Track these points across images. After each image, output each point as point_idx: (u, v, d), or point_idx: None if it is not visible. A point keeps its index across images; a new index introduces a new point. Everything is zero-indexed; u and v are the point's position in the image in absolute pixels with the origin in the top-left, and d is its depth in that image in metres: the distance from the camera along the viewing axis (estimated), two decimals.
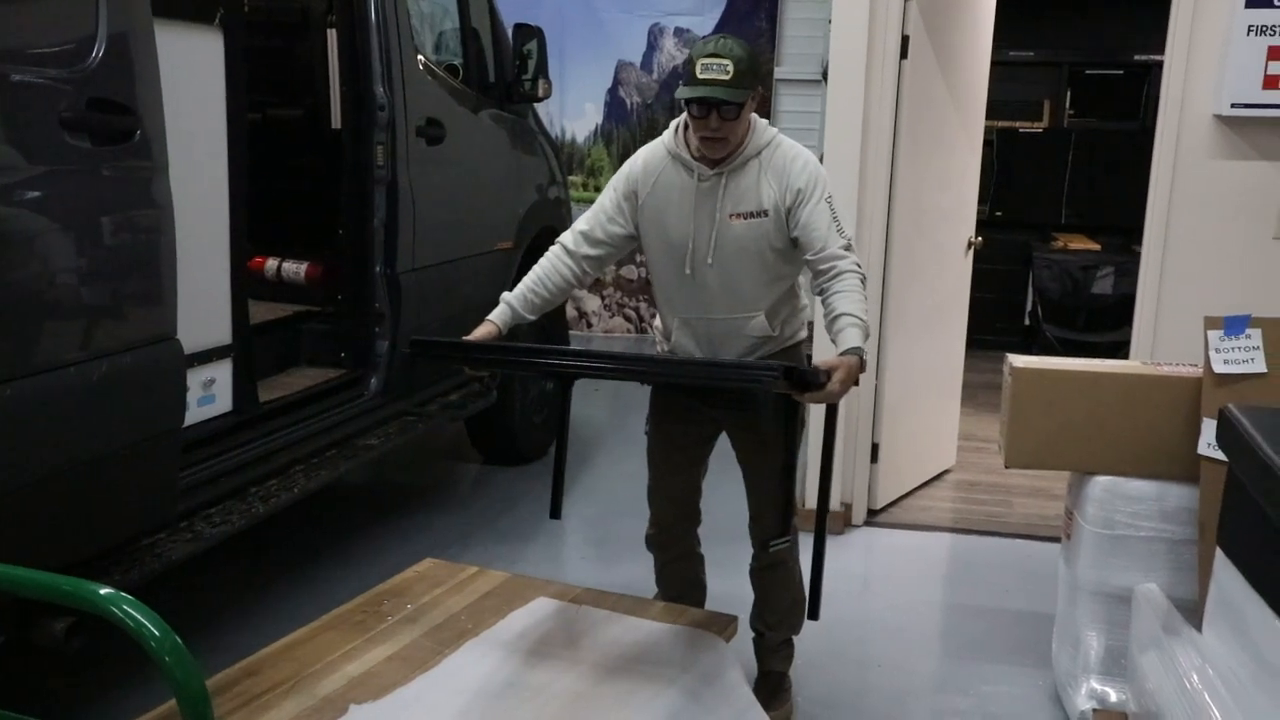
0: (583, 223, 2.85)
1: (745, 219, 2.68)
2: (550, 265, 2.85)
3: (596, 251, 2.84)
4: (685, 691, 2.48)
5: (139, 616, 1.50)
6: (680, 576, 3.15)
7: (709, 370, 2.73)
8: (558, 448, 2.99)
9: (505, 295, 2.85)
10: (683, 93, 2.60)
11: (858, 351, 2.53)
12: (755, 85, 2.62)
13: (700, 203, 2.70)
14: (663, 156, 2.77)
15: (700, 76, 2.56)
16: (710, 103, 2.56)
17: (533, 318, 2.86)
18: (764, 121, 2.76)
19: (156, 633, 1.49)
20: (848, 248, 2.65)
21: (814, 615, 2.73)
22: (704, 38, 2.72)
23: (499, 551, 4.18)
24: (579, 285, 2.96)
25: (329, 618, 2.72)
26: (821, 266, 2.65)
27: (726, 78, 2.55)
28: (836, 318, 2.59)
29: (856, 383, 2.55)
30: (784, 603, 3.08)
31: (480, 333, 2.79)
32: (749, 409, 2.88)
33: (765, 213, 2.68)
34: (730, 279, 2.72)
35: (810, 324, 2.99)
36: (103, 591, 1.55)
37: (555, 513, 2.99)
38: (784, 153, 2.71)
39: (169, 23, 2.86)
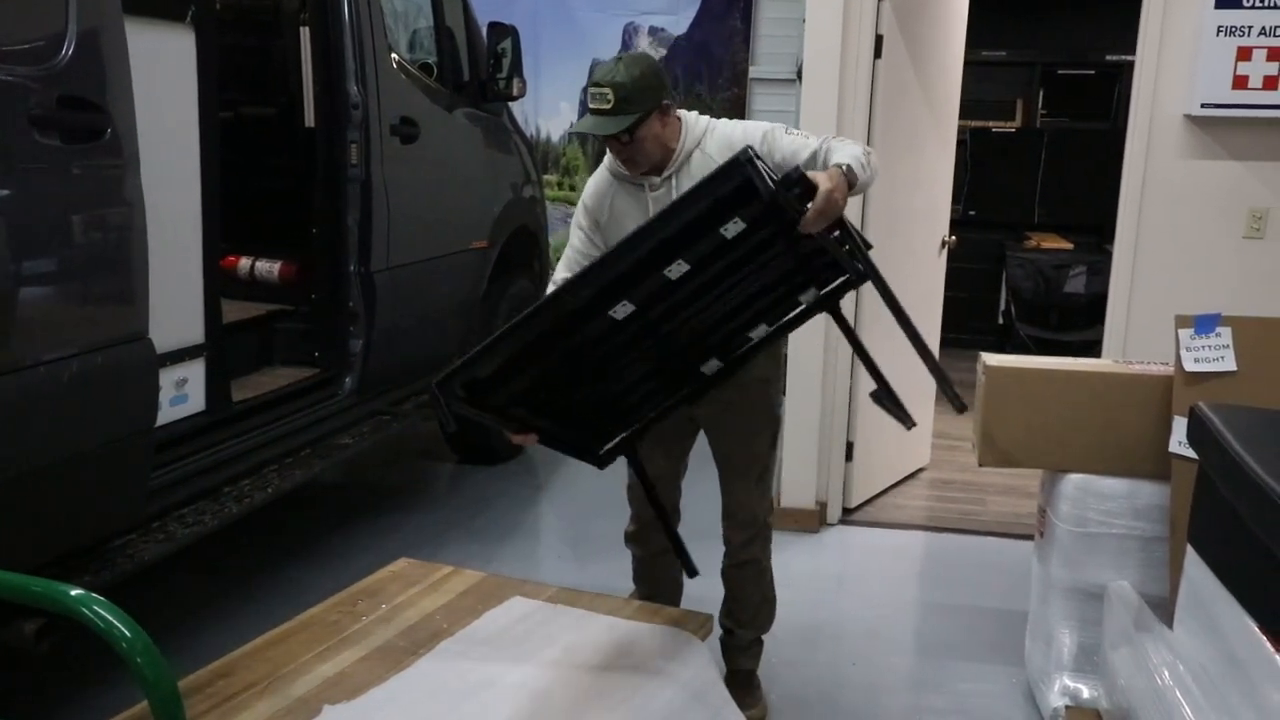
0: (563, 268, 2.82)
1: None
2: None
3: None
4: (661, 690, 2.48)
5: (109, 617, 1.49)
6: (658, 574, 3.16)
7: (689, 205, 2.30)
8: (658, 512, 2.92)
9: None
10: (572, 128, 2.61)
11: (850, 171, 2.41)
12: (647, 104, 2.56)
13: (657, 208, 2.67)
14: (609, 180, 2.79)
15: (590, 107, 2.59)
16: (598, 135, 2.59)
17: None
18: (694, 115, 2.74)
19: (128, 633, 1.48)
20: (833, 136, 2.64)
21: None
22: (600, 63, 2.66)
23: (474, 550, 4.17)
24: None
25: (303, 618, 2.70)
26: (808, 162, 2.54)
27: (607, 107, 2.54)
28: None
29: (844, 201, 2.39)
30: (754, 600, 3.09)
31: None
32: (731, 409, 2.89)
33: None
34: None
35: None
36: (73, 592, 1.54)
37: (692, 570, 2.97)
38: (723, 131, 2.71)
39: (140, 20, 2.84)
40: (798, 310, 2.68)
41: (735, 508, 3.01)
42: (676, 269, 2.29)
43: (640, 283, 2.31)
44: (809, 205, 2.27)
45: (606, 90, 2.54)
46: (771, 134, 2.65)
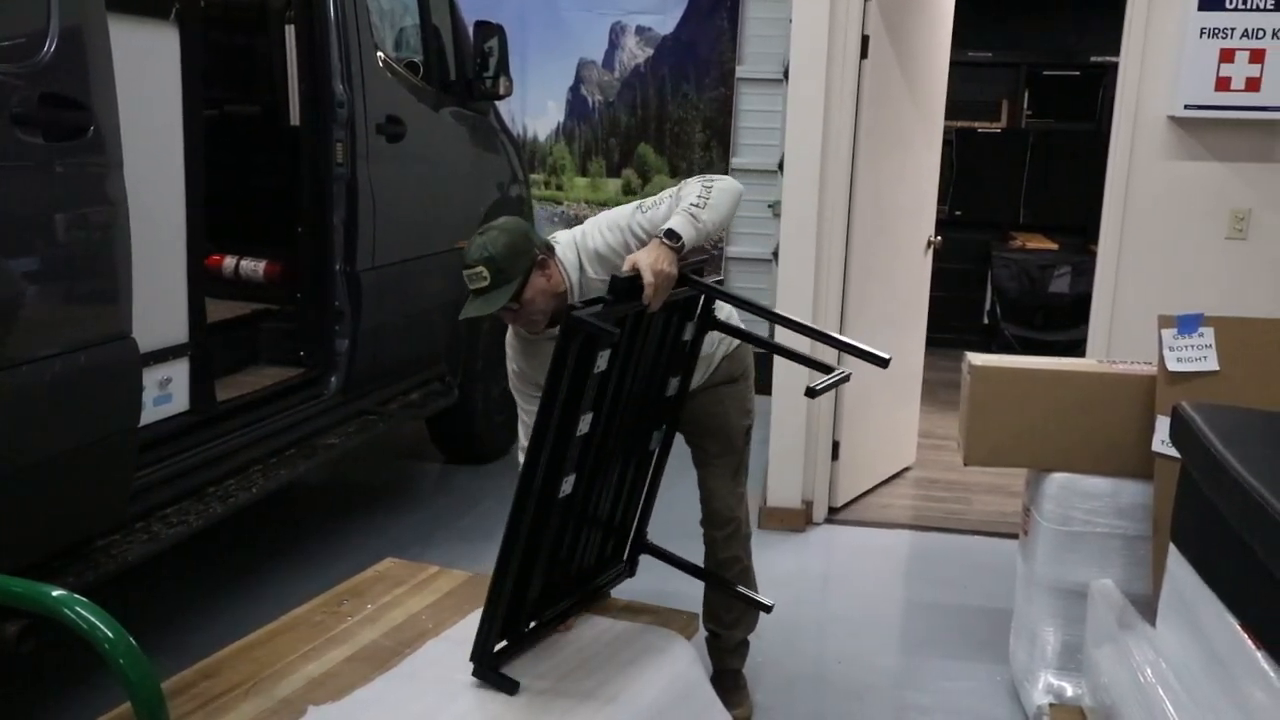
0: (523, 435, 2.78)
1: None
2: None
3: None
4: (646, 689, 2.48)
5: (92, 618, 1.49)
6: None
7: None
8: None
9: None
10: (462, 314, 2.59)
11: (671, 236, 2.43)
12: (523, 267, 2.51)
13: None
14: (519, 344, 2.75)
15: (470, 288, 2.53)
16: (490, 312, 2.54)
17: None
18: (562, 244, 2.66)
19: (110, 635, 1.48)
20: (678, 187, 2.62)
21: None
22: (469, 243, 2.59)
23: (461, 550, 4.16)
24: None
25: (288, 618, 2.70)
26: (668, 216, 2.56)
27: (485, 284, 2.49)
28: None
29: (677, 268, 2.44)
30: (739, 603, 3.09)
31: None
32: (703, 408, 2.92)
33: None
34: None
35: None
36: (55, 594, 1.53)
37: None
38: (591, 240, 2.64)
39: (123, 17, 2.82)
40: (688, 344, 2.74)
41: (712, 504, 3.02)
42: (584, 422, 2.37)
43: (566, 454, 2.36)
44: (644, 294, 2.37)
45: (480, 269, 2.49)
46: (630, 224, 2.60)
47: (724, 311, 2.85)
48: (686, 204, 2.53)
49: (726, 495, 3.01)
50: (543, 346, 2.65)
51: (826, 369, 2.60)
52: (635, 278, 2.38)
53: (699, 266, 2.66)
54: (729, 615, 3.10)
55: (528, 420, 2.76)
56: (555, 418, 2.30)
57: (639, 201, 2.66)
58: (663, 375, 2.71)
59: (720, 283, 2.81)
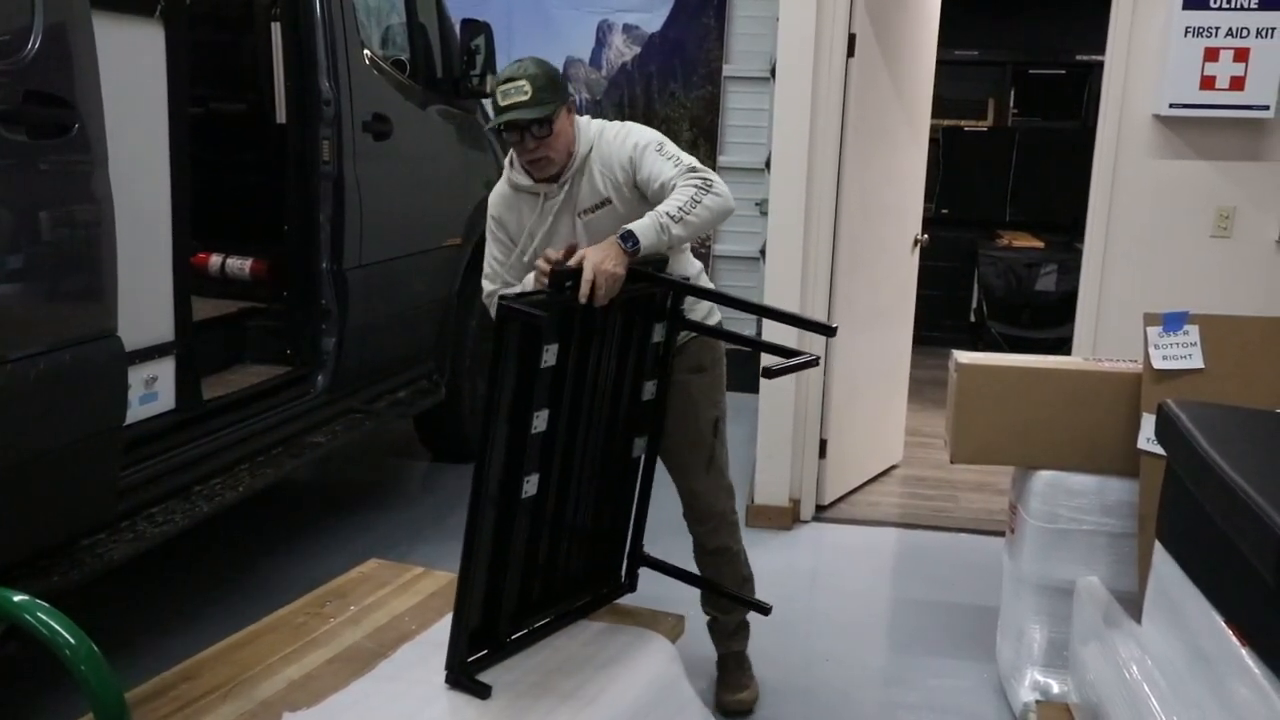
0: (487, 280, 2.92)
1: (592, 212, 2.75)
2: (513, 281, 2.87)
3: (515, 277, 2.87)
4: (626, 690, 2.47)
5: (54, 624, 1.46)
6: None
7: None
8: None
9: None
10: (491, 123, 2.69)
11: (628, 239, 2.45)
12: (560, 98, 2.67)
13: (558, 216, 2.77)
14: (509, 193, 2.85)
15: (503, 104, 2.65)
16: (519, 125, 2.65)
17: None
18: (586, 119, 2.81)
19: (72, 641, 1.45)
20: (686, 170, 2.63)
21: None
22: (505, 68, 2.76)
23: (449, 549, 4.11)
24: None
25: (270, 620, 2.68)
26: (658, 192, 2.64)
27: (526, 98, 2.62)
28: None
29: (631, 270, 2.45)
30: (734, 582, 3.09)
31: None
32: (668, 401, 2.86)
33: (608, 200, 2.74)
34: None
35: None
36: (16, 598, 1.50)
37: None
38: (607, 137, 2.76)
39: (108, 15, 2.81)
40: (660, 345, 2.71)
41: (691, 499, 3.01)
42: (539, 419, 2.33)
43: (523, 453, 2.34)
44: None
45: (523, 82, 2.62)
46: (643, 152, 2.71)
47: (700, 311, 2.85)
48: (665, 209, 2.53)
49: (705, 493, 3.00)
50: (524, 204, 2.81)
51: (795, 353, 2.57)
52: (573, 270, 2.37)
53: (662, 261, 2.64)
54: (723, 598, 3.11)
55: (491, 262, 2.91)
56: (503, 410, 2.27)
57: (663, 142, 2.71)
58: (634, 378, 2.66)
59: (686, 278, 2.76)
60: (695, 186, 2.58)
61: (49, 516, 2.75)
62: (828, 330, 2.62)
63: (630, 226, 2.48)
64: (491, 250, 2.92)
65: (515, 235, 2.86)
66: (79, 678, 1.44)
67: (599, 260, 2.39)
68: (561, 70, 7.83)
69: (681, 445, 2.96)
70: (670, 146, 2.71)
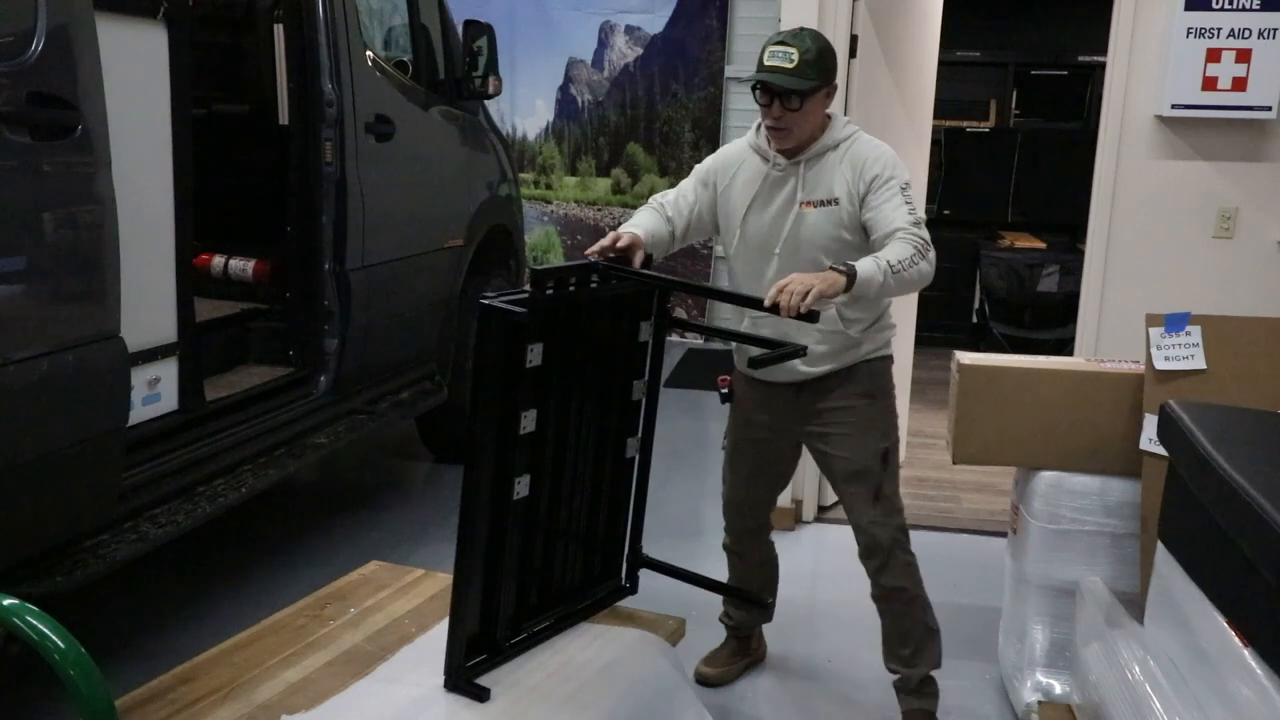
0: (665, 194, 2.92)
1: (817, 206, 2.70)
2: (653, 216, 2.85)
3: (671, 220, 2.87)
4: (628, 694, 2.47)
5: (43, 629, 1.45)
6: (759, 577, 3.24)
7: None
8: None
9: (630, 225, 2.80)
10: (748, 77, 2.65)
11: (847, 269, 2.45)
12: (823, 78, 2.63)
13: (774, 191, 2.74)
14: (743, 149, 2.84)
15: (766, 64, 2.62)
16: (771, 90, 2.62)
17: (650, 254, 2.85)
18: (846, 118, 2.79)
19: (61, 645, 1.43)
20: (917, 224, 2.60)
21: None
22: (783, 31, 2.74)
23: (451, 550, 4.09)
24: (667, 246, 2.90)
25: (269, 622, 2.67)
26: (880, 230, 2.62)
27: (789, 66, 2.59)
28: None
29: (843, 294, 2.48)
30: (913, 634, 2.98)
31: (627, 240, 2.65)
32: (833, 428, 2.87)
33: (836, 200, 2.69)
34: (798, 268, 2.61)
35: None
36: (5, 602, 1.49)
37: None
38: (862, 145, 2.72)
39: (111, 16, 2.82)
40: (649, 345, 2.68)
41: (857, 533, 2.94)
42: (527, 420, 2.31)
43: (513, 454, 2.31)
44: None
45: (792, 50, 2.59)
46: (888, 182, 2.65)
47: (869, 345, 2.83)
48: (889, 257, 2.50)
49: (869, 526, 2.89)
50: (748, 167, 2.79)
51: (780, 344, 2.58)
52: (563, 269, 2.35)
53: (647, 260, 2.65)
54: (905, 649, 2.99)
55: (676, 198, 2.88)
56: (489, 411, 2.25)
57: (909, 183, 2.67)
58: (623, 378, 2.64)
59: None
60: (916, 248, 2.54)
61: (52, 517, 2.76)
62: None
63: (855, 265, 2.46)
64: (682, 185, 2.91)
65: (717, 189, 2.84)
66: (68, 682, 1.43)
67: (802, 278, 2.39)
68: (563, 71, 7.88)
69: (848, 476, 2.89)
70: (909, 192, 2.67)
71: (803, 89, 2.60)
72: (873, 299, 2.64)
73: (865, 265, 2.48)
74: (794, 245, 2.73)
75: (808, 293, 2.36)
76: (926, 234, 2.59)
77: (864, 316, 2.81)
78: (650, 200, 2.93)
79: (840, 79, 4.29)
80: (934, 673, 3.06)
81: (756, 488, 3.11)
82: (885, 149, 2.71)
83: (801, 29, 2.67)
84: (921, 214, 2.64)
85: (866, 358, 2.86)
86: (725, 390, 3.00)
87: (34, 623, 1.45)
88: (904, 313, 5.15)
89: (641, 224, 2.78)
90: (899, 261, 2.50)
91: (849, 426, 2.86)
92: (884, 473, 2.87)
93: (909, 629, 2.98)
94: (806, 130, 2.68)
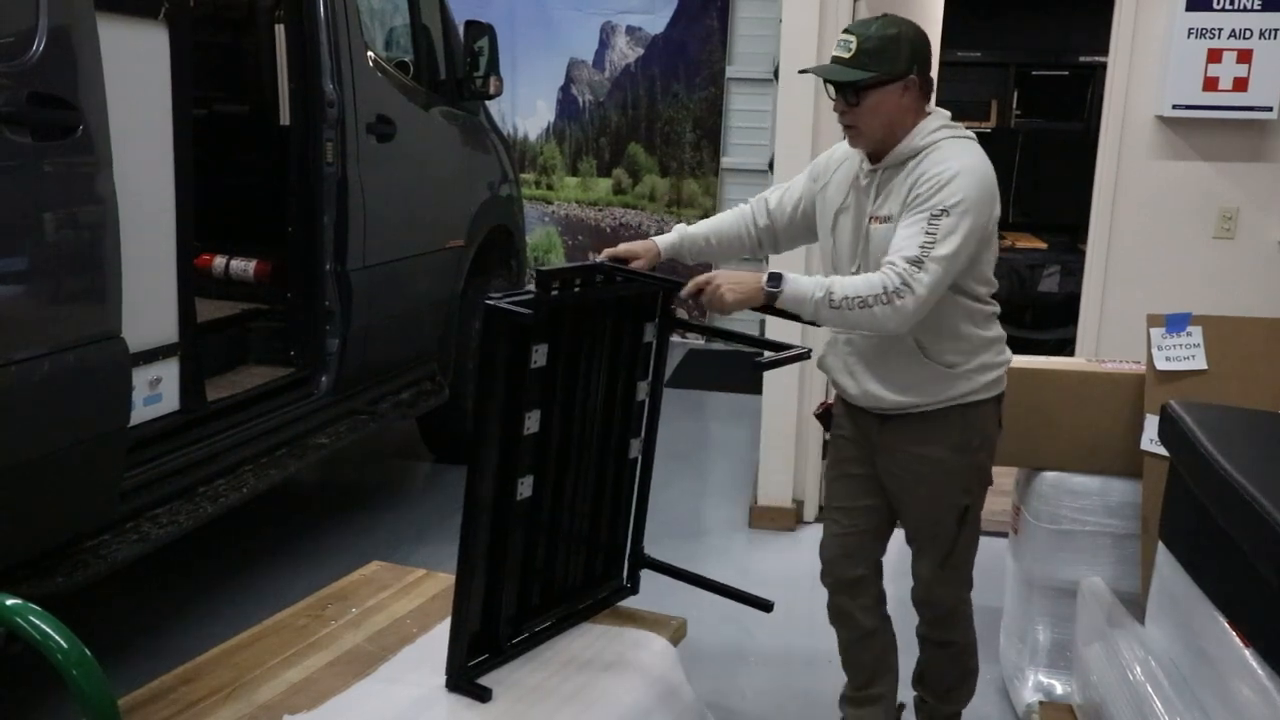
0: (773, 190, 2.72)
1: (882, 223, 2.40)
2: (733, 218, 2.73)
3: (765, 222, 2.70)
4: (627, 692, 2.47)
5: (46, 628, 1.44)
6: (871, 656, 2.81)
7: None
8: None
9: (681, 227, 2.70)
10: (809, 69, 2.50)
11: (774, 280, 2.28)
12: (886, 69, 2.30)
13: (861, 199, 2.47)
14: (845, 150, 2.56)
15: (832, 54, 2.37)
16: (830, 81, 2.36)
17: (691, 262, 2.76)
18: (937, 120, 2.42)
19: (64, 645, 1.43)
20: (914, 262, 2.24)
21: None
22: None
23: (452, 550, 4.07)
24: (747, 249, 2.78)
25: (271, 622, 2.67)
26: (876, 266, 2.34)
27: (846, 55, 2.32)
28: None
29: (767, 309, 2.34)
30: (951, 676, 2.80)
31: (636, 247, 2.58)
32: (911, 477, 2.57)
33: (891, 217, 2.38)
34: None
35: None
36: (9, 602, 1.49)
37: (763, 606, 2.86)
38: (936, 154, 2.36)
39: (112, 17, 2.82)
40: (653, 346, 2.67)
41: (916, 580, 2.68)
42: (531, 420, 2.30)
43: (517, 454, 2.31)
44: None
45: (850, 39, 2.32)
46: (924, 204, 2.30)
47: (973, 382, 2.50)
48: (833, 288, 2.27)
49: (933, 584, 2.63)
50: (844, 171, 2.52)
51: (785, 346, 2.57)
52: (569, 270, 2.35)
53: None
54: (941, 683, 2.80)
55: (786, 190, 2.68)
56: (494, 411, 2.25)
57: (947, 210, 2.28)
58: (627, 379, 2.63)
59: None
60: (885, 288, 2.23)
61: (54, 517, 2.76)
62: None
63: (789, 275, 2.28)
64: (796, 180, 2.67)
65: (816, 187, 2.61)
66: (71, 682, 1.43)
67: (725, 280, 2.29)
68: (564, 71, 7.88)
69: (921, 529, 2.62)
70: (948, 221, 2.26)
71: (856, 80, 2.30)
72: (797, 311, 2.33)
73: (801, 286, 2.28)
74: (866, 263, 2.43)
75: (719, 304, 2.30)
76: (925, 278, 2.23)
77: (953, 351, 2.44)
78: (755, 198, 2.74)
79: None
80: None
81: (850, 527, 2.72)
82: (952, 165, 2.31)
83: (883, 15, 2.36)
84: (944, 250, 2.25)
85: (961, 401, 2.47)
86: (822, 413, 2.81)
87: (37, 622, 1.45)
88: None
89: (697, 227, 2.68)
90: (846, 297, 2.24)
91: (927, 478, 2.53)
92: (960, 533, 2.56)
93: (948, 672, 2.80)
94: (878, 129, 2.37)
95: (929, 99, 2.45)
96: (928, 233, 2.26)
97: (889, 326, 2.27)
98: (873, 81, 2.32)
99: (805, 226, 2.68)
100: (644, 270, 2.60)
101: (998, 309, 2.58)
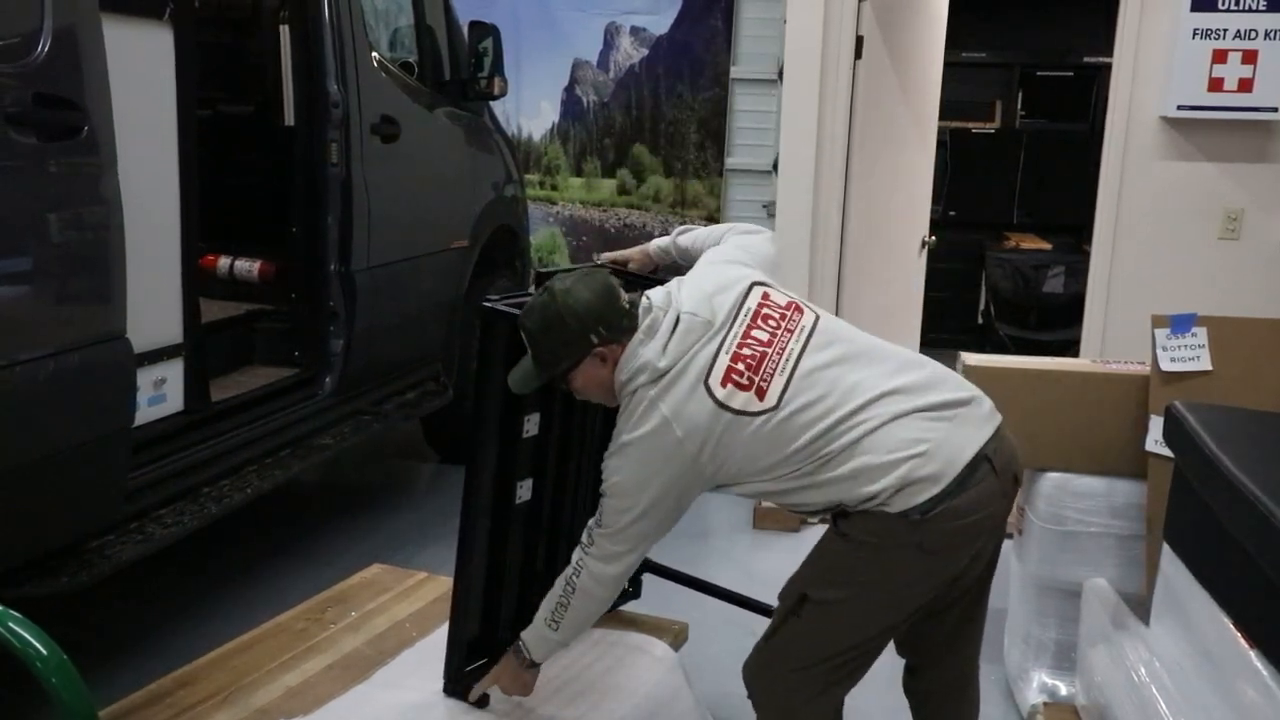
0: (748, 237, 2.45)
1: None
2: (714, 238, 2.47)
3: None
4: (630, 699, 2.46)
5: (25, 635, 1.42)
6: None
7: None
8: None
9: (683, 228, 2.53)
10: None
11: (518, 650, 2.23)
12: (562, 362, 2.07)
13: None
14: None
15: None
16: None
17: (686, 265, 2.42)
18: (636, 365, 2.04)
19: (44, 651, 1.41)
20: (589, 543, 2.12)
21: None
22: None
23: (454, 553, 4.14)
24: None
25: (270, 625, 2.67)
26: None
27: (529, 354, 2.12)
28: None
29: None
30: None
31: (633, 252, 2.53)
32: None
33: None
34: None
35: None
36: None
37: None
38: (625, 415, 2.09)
39: (117, 17, 2.82)
40: None
41: (968, 692, 2.62)
42: (529, 423, 2.27)
43: (515, 458, 2.29)
44: None
45: (524, 335, 2.10)
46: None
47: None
48: (543, 613, 2.20)
49: (752, 652, 2.33)
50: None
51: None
52: (568, 271, 2.29)
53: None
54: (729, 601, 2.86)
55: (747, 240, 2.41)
56: (492, 415, 2.24)
57: (610, 493, 2.09)
58: None
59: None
60: (573, 571, 2.13)
61: (58, 517, 2.76)
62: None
63: (523, 636, 2.23)
64: (739, 263, 2.32)
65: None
66: (49, 690, 1.41)
67: (506, 684, 2.28)
68: (568, 72, 7.89)
69: (968, 603, 2.47)
70: (614, 503, 2.07)
71: (538, 384, 2.13)
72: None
73: (528, 635, 2.22)
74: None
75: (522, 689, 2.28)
76: (599, 547, 2.09)
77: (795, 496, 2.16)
78: (737, 236, 2.44)
79: (845, 80, 4.32)
80: None
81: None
82: (635, 436, 2.03)
83: (552, 285, 2.08)
84: (611, 524, 2.09)
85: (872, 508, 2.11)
86: None
87: (15, 629, 1.43)
88: (909, 313, 5.15)
89: (685, 238, 2.51)
90: (552, 610, 2.16)
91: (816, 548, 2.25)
92: (786, 619, 2.23)
93: (737, 603, 2.80)
94: (593, 388, 2.14)
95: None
96: (597, 513, 2.13)
97: (600, 592, 2.15)
98: (558, 375, 2.11)
99: None
100: (640, 273, 2.60)
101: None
